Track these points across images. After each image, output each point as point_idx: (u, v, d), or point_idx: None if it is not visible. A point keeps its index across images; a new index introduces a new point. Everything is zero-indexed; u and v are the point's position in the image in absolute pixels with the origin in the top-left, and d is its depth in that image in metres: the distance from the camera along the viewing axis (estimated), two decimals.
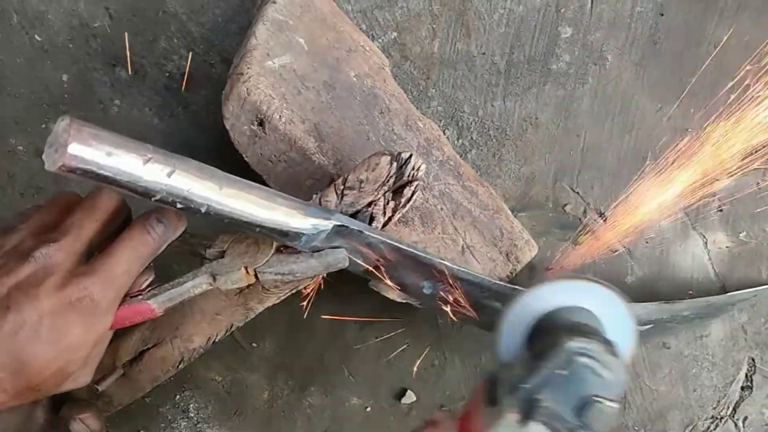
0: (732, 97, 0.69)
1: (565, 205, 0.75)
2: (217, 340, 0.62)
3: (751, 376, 0.78)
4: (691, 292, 0.76)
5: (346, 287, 0.66)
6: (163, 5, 0.70)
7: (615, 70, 0.74)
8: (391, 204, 0.57)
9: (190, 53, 0.71)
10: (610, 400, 0.43)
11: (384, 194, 0.56)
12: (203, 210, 0.43)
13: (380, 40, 0.73)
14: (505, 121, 0.74)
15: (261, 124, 0.59)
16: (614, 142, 0.74)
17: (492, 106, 0.74)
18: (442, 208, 0.66)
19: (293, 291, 0.59)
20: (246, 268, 0.50)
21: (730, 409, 0.78)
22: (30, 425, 0.53)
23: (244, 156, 0.61)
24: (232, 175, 0.45)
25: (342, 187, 0.54)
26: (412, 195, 0.57)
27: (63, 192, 0.49)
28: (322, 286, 0.59)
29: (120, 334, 0.60)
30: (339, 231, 0.51)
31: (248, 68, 0.58)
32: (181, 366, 0.62)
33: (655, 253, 0.76)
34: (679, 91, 0.74)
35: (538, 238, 0.73)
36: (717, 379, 0.78)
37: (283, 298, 0.59)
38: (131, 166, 0.39)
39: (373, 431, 0.77)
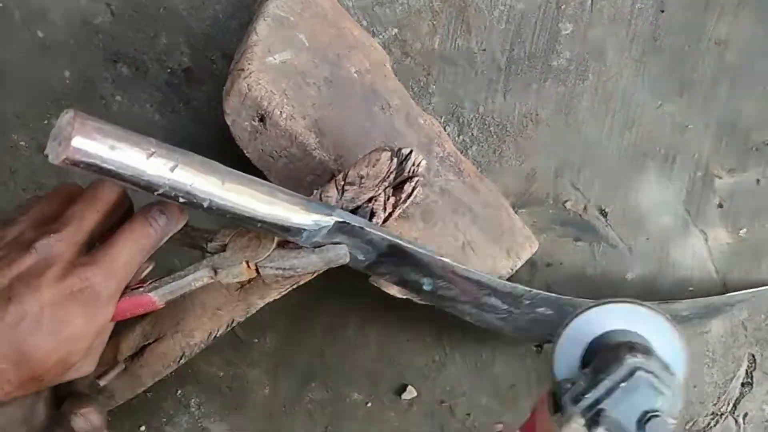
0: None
1: (566, 201, 0.75)
2: (218, 335, 0.62)
3: (751, 373, 0.78)
4: (691, 288, 0.76)
5: (346, 283, 0.66)
6: (164, 1, 0.71)
7: (615, 66, 0.74)
8: (392, 200, 0.57)
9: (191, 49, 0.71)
10: (670, 416, 0.45)
11: (384, 190, 0.56)
12: (206, 205, 0.43)
13: (381, 37, 0.73)
14: (505, 117, 0.74)
15: (262, 119, 0.59)
16: (614, 139, 0.75)
17: (492, 102, 0.74)
18: (442, 205, 0.66)
19: (294, 286, 0.59)
20: (247, 262, 0.50)
21: (731, 405, 0.78)
22: (32, 420, 0.53)
23: (245, 152, 0.61)
24: (234, 170, 0.45)
25: (342, 183, 0.54)
26: (413, 191, 0.57)
27: (64, 183, 0.50)
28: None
29: (121, 329, 0.60)
30: (340, 227, 0.52)
31: (249, 64, 0.58)
32: (182, 361, 0.62)
33: (656, 249, 0.76)
34: (680, 88, 0.74)
35: (538, 234, 0.73)
36: (717, 376, 0.78)
37: (284, 293, 0.59)
38: (134, 160, 0.39)
39: (374, 426, 0.77)
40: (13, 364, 0.42)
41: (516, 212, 0.72)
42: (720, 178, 0.75)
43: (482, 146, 0.75)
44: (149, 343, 0.61)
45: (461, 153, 0.71)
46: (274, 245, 0.51)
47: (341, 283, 0.65)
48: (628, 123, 0.74)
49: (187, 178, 0.42)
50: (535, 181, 0.75)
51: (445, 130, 0.72)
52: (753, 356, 0.78)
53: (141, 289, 0.49)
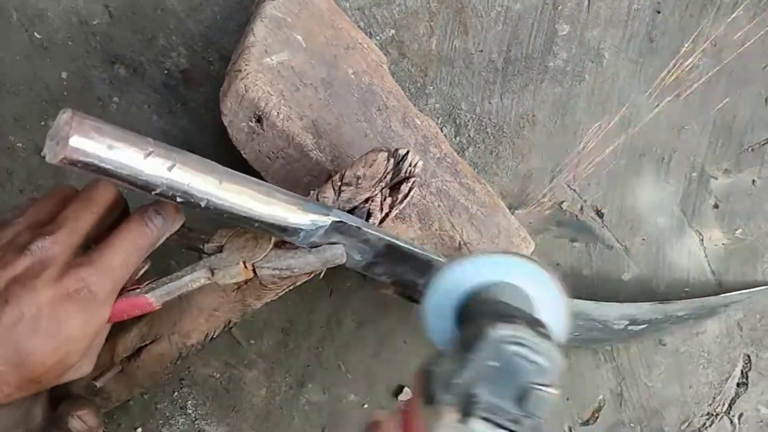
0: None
1: (562, 202, 0.75)
2: (214, 337, 0.62)
3: (746, 373, 0.78)
4: (687, 289, 0.76)
5: (343, 283, 0.66)
6: (161, 3, 0.71)
7: (612, 67, 0.74)
8: (388, 200, 0.57)
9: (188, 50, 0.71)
10: (548, 386, 0.40)
11: (381, 190, 0.56)
12: (203, 204, 0.43)
13: (378, 38, 0.73)
14: (502, 118, 0.74)
15: (259, 120, 0.59)
16: (611, 140, 0.75)
17: (489, 103, 0.74)
18: (439, 205, 0.66)
19: (291, 287, 0.59)
20: (244, 262, 0.50)
21: (726, 405, 0.78)
22: (28, 422, 0.53)
23: (242, 152, 0.61)
24: (231, 170, 0.45)
25: (339, 184, 0.54)
26: (409, 191, 0.57)
27: (59, 185, 0.50)
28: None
29: (118, 330, 0.60)
30: (337, 227, 0.52)
31: (246, 65, 0.58)
32: (178, 362, 0.62)
33: (652, 250, 0.76)
34: (676, 89, 0.74)
35: (535, 235, 0.74)
36: (713, 376, 0.78)
37: (280, 294, 0.59)
38: (132, 160, 0.39)
39: None
40: (10, 366, 0.42)
41: (512, 213, 0.72)
42: (716, 178, 0.75)
43: (479, 147, 0.75)
44: (146, 345, 0.61)
45: (458, 154, 0.71)
46: (271, 246, 0.51)
47: (338, 283, 0.65)
48: (625, 124, 0.75)
49: (184, 178, 0.42)
50: (531, 181, 0.75)
51: (442, 131, 0.72)
52: (748, 357, 0.78)
53: (138, 290, 0.49)
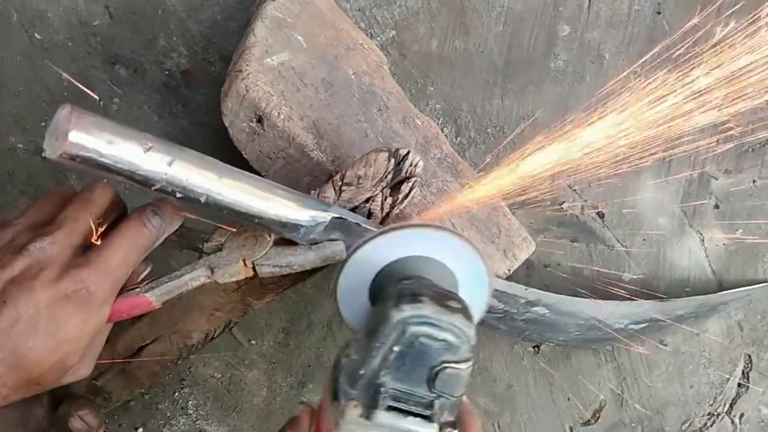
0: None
1: (563, 202, 0.75)
2: (215, 336, 0.62)
3: (747, 373, 0.78)
4: (687, 289, 0.76)
5: None
6: (162, 3, 0.71)
7: (612, 68, 0.74)
8: (389, 200, 0.57)
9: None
10: (460, 362, 0.38)
11: (382, 190, 0.56)
12: (202, 200, 0.43)
13: (379, 38, 0.73)
14: (503, 119, 0.74)
15: (260, 121, 0.59)
16: (611, 140, 0.75)
17: (490, 104, 0.74)
18: (439, 205, 0.66)
19: (290, 287, 0.59)
20: (244, 260, 0.50)
21: (727, 405, 0.78)
22: (29, 422, 0.53)
23: (243, 153, 0.61)
24: (231, 166, 0.45)
25: (340, 183, 0.54)
26: (410, 191, 0.57)
27: (58, 186, 0.49)
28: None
29: (118, 330, 0.60)
30: (337, 223, 0.52)
31: (247, 65, 0.58)
32: (179, 362, 0.62)
33: (653, 250, 0.76)
34: (676, 89, 0.74)
35: (535, 235, 0.74)
36: (714, 376, 0.78)
37: (280, 293, 0.59)
38: (132, 155, 0.39)
39: None
40: (9, 367, 0.41)
41: (513, 213, 0.72)
42: (716, 179, 0.75)
43: (479, 148, 0.75)
44: (146, 344, 0.61)
45: (459, 154, 0.71)
46: (270, 243, 0.51)
47: None
48: (625, 124, 0.75)
49: (184, 173, 0.42)
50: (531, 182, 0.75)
51: (443, 132, 0.72)
52: (749, 357, 0.78)
53: (137, 290, 0.48)
